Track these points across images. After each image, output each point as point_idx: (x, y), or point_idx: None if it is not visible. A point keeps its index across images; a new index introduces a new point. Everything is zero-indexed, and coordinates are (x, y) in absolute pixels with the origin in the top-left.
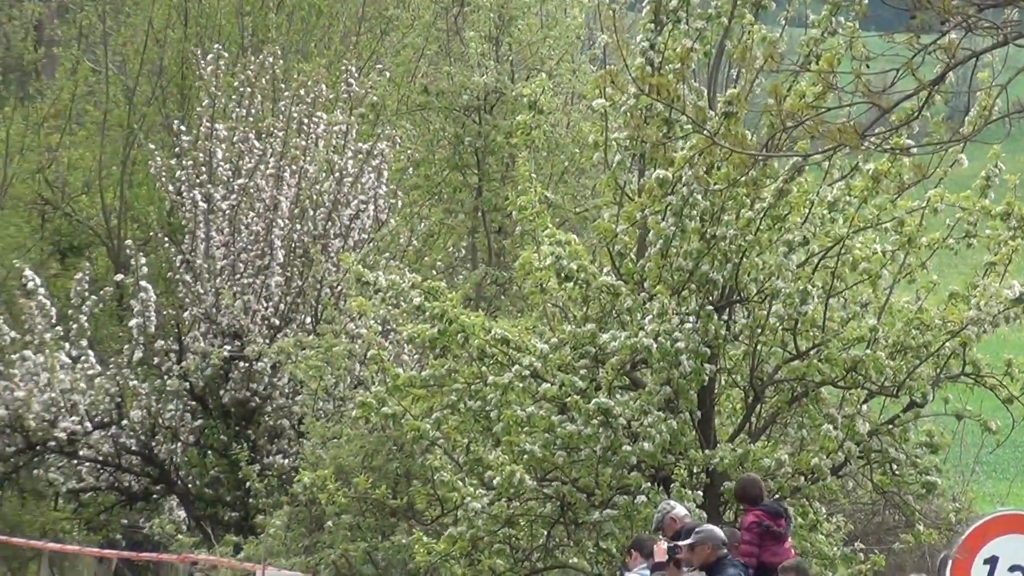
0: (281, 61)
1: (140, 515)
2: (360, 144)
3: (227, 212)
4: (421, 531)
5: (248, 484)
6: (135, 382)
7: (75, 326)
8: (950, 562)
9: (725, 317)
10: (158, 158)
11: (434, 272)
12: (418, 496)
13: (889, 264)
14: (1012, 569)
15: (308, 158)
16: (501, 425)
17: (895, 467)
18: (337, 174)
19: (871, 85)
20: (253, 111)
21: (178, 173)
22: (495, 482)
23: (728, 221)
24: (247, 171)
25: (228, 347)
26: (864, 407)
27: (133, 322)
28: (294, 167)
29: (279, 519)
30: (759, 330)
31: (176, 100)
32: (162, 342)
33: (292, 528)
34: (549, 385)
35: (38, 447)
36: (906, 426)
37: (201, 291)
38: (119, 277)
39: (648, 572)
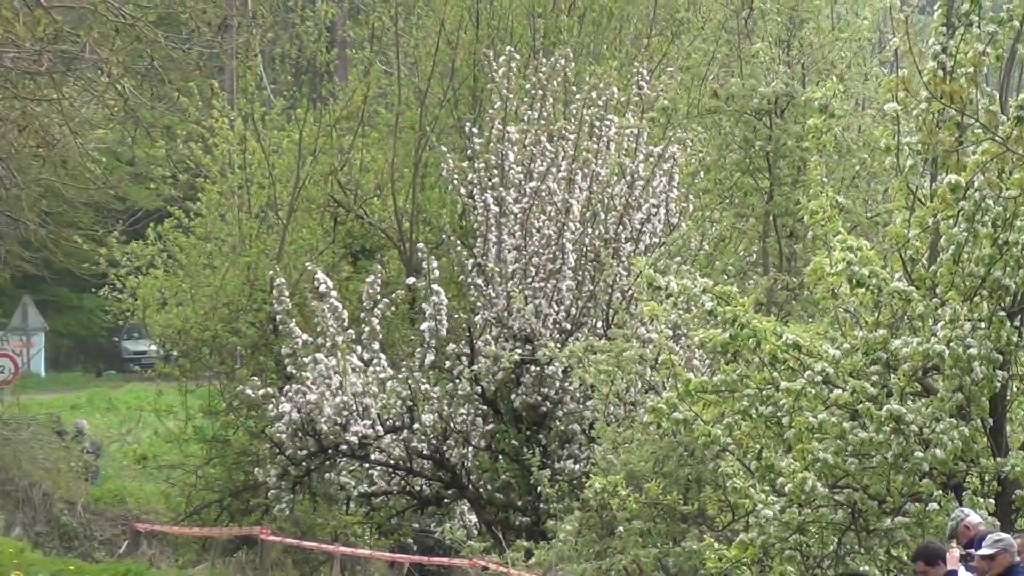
0: (572, 64)
1: (431, 519)
2: (651, 147)
3: (519, 215)
4: (712, 537)
5: (539, 489)
6: (426, 386)
7: (367, 329)
8: None
9: (1017, 323)
10: (450, 160)
11: (725, 276)
12: (709, 502)
13: None
14: None
15: (600, 161)
16: (792, 431)
17: None
18: (628, 177)
19: None
20: (545, 114)
21: (470, 176)
22: (786, 489)
23: (1021, 227)
24: (539, 174)
25: (519, 351)
26: None
27: (425, 325)
28: (586, 170)
29: (570, 524)
30: None
31: (468, 102)
32: (453, 346)
33: (583, 533)
34: (841, 391)
35: (330, 451)
36: None
37: (493, 295)
38: (411, 280)
39: None
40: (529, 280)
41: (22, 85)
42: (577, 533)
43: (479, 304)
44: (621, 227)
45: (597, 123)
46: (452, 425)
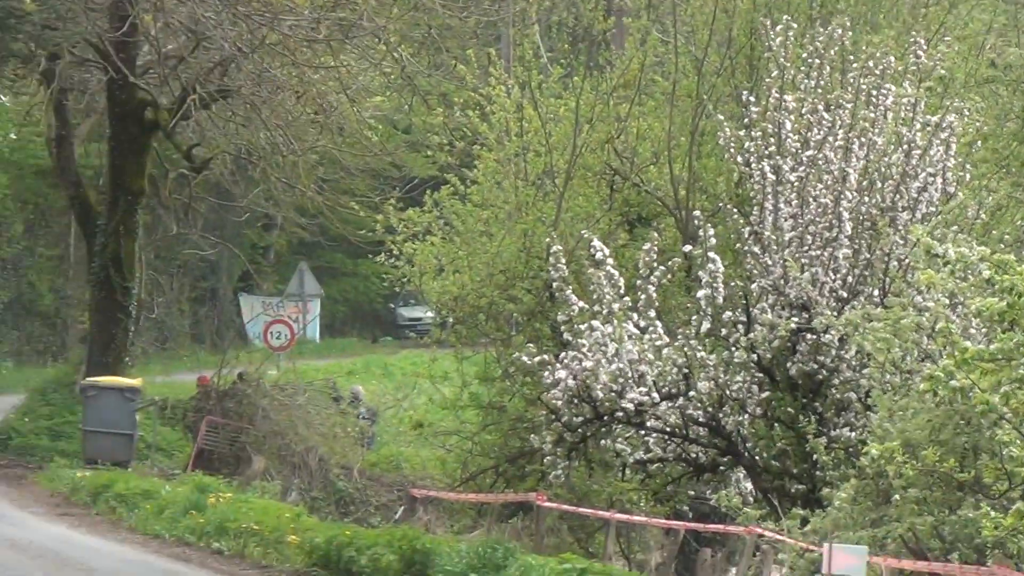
0: (849, 33)
1: (707, 487)
2: (928, 117)
3: (795, 184)
4: (989, 505)
5: (815, 457)
6: (702, 353)
7: (643, 297)
8: None
9: None
10: (727, 129)
11: (1002, 245)
12: (986, 470)
13: None
14: None
15: (876, 130)
16: None
17: None
18: (905, 147)
19: None
20: (821, 83)
21: (746, 144)
22: None
23: None
24: (815, 143)
25: (795, 319)
26: None
27: (701, 293)
28: (862, 139)
29: (846, 492)
30: None
31: (744, 71)
32: (729, 314)
33: (859, 501)
34: None
35: (606, 417)
36: None
37: (769, 263)
38: (687, 248)
39: None
40: (805, 248)
41: (300, 52)
42: (853, 501)
43: (755, 272)
44: (898, 196)
45: (874, 92)
46: (728, 393)
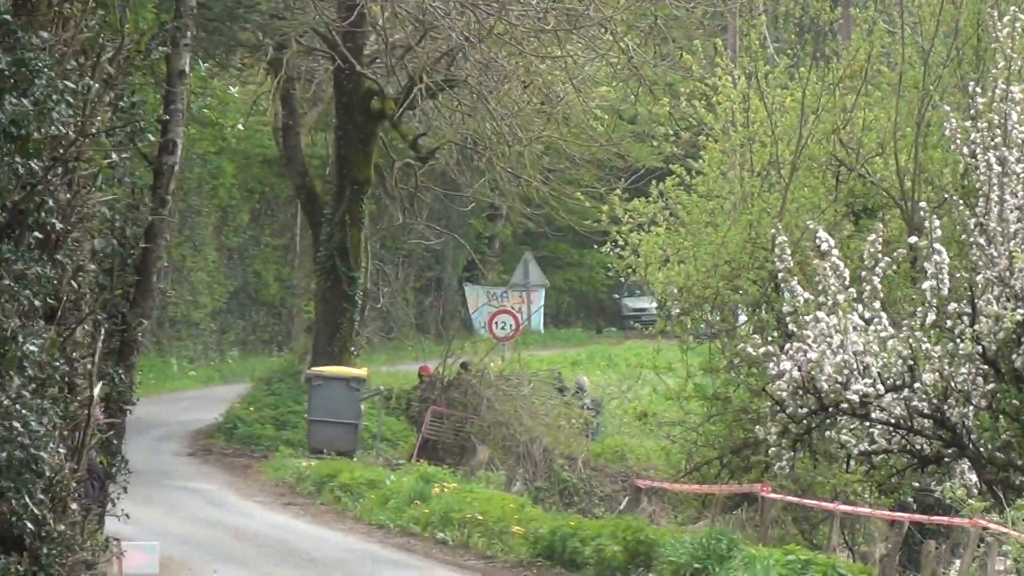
0: None
1: (931, 478)
2: None
3: (1021, 175)
4: None
5: None
6: (927, 345)
7: (868, 288)
8: None
9: None
10: (953, 120)
11: None
12: None
13: None
14: None
15: None
16: None
17: None
18: None
19: None
20: None
21: (972, 135)
22: None
23: None
24: None
25: (1021, 311)
26: None
27: (926, 285)
28: None
29: None
30: None
31: (971, 62)
32: (955, 305)
33: None
34: None
35: (830, 409)
36: None
37: (994, 254)
38: (912, 239)
39: None
40: None
41: (527, 42)
42: None
43: (980, 263)
44: None
45: None
46: (953, 384)
